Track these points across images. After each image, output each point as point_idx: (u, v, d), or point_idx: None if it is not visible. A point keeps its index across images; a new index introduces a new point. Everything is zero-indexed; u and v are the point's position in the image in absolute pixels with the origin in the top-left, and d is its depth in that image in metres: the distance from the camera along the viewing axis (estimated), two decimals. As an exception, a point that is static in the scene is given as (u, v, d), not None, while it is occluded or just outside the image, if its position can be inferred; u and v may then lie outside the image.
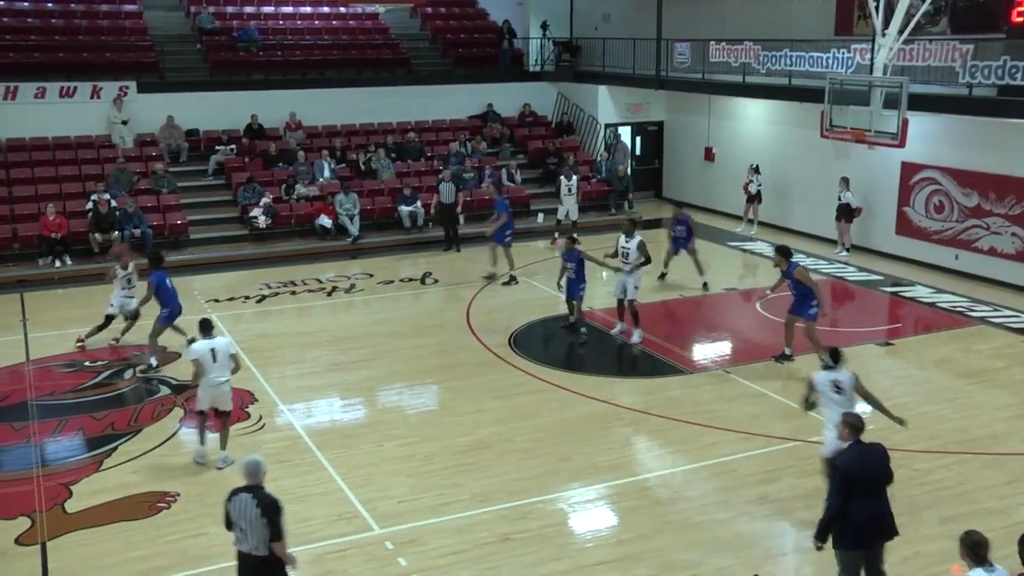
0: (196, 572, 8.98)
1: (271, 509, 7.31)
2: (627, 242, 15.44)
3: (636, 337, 15.42)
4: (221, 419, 11.14)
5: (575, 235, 16.67)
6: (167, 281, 14.31)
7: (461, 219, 22.18)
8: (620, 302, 15.63)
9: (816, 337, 13.77)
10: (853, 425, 7.85)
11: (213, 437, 11.26)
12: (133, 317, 15.16)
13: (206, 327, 11.10)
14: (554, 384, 13.64)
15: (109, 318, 15.23)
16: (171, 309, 14.37)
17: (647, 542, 9.42)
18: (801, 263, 14.56)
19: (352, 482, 10.65)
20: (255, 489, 7.40)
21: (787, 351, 14.40)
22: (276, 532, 7.33)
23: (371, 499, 10.25)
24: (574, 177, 22.85)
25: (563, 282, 15.85)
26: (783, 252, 14.10)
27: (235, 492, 7.45)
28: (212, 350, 10.85)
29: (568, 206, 22.69)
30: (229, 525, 7.48)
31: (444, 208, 21.90)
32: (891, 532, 7.80)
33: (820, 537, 7.75)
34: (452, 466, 11.08)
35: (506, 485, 10.58)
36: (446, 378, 14.07)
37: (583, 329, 15.82)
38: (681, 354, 15.04)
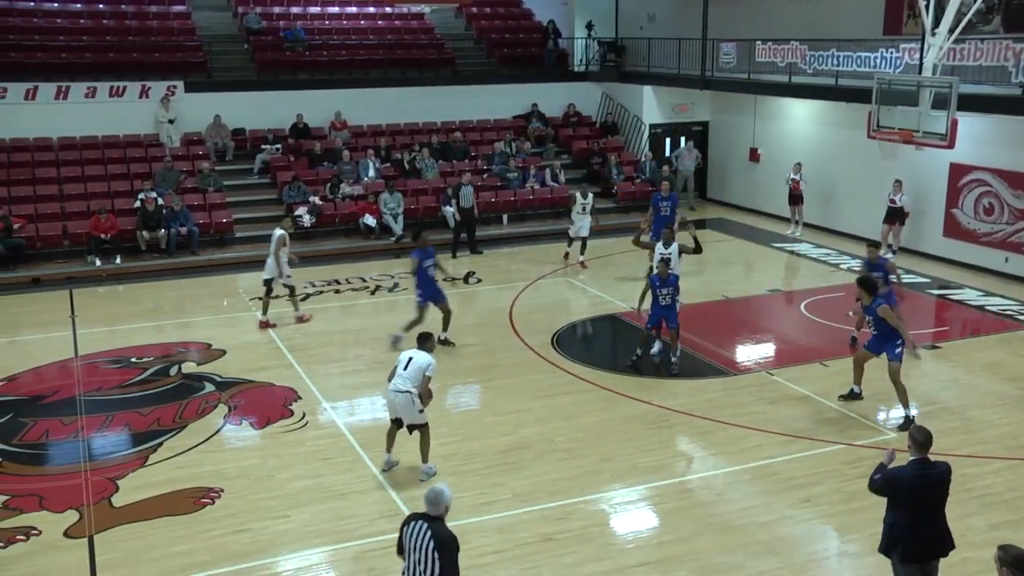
0: (238, 568, 9.05)
1: (448, 545, 6.58)
2: (666, 250, 14.77)
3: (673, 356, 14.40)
4: (419, 433, 10.67)
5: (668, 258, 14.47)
6: (425, 263, 15.03)
7: (506, 219, 21.94)
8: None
9: (900, 381, 11.88)
10: (917, 440, 7.35)
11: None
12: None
13: (423, 339, 10.74)
14: (596, 384, 13.61)
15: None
16: (424, 292, 14.99)
17: (688, 544, 9.36)
18: (886, 302, 12.04)
19: (394, 480, 10.68)
20: (433, 520, 6.70)
21: (855, 389, 12.70)
22: (448, 573, 6.53)
23: (413, 497, 10.23)
24: (590, 195, 20.52)
25: (642, 308, 14.52)
26: (867, 286, 11.96)
27: (412, 517, 6.85)
28: (409, 359, 10.40)
29: (581, 224, 20.18)
30: (401, 550, 6.86)
31: (463, 213, 21.43)
32: (947, 549, 7.45)
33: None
34: (494, 465, 11.09)
35: (547, 485, 10.57)
36: (488, 378, 14.09)
37: (674, 358, 14.25)
38: (724, 356, 14.91)
